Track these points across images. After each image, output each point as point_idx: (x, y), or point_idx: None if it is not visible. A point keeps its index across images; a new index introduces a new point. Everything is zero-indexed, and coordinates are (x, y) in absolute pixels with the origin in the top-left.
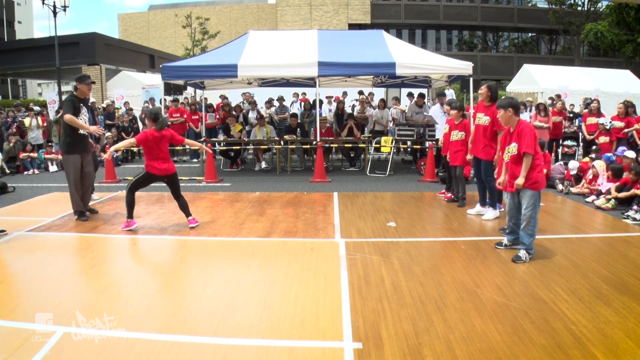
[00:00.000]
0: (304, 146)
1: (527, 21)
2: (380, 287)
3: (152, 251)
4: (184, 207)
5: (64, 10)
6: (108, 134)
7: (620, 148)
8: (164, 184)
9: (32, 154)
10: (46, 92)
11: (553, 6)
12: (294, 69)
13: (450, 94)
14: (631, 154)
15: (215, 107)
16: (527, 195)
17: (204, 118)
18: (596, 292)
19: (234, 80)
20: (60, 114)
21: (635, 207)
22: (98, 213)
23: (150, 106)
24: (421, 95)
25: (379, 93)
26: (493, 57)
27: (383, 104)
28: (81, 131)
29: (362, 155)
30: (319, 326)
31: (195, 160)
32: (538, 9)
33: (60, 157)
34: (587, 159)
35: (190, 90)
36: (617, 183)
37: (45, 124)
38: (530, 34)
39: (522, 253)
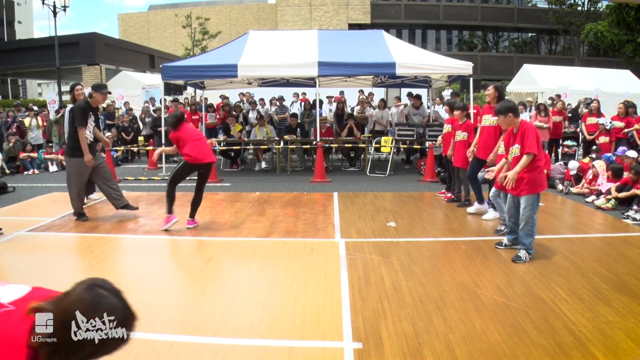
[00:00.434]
0: (304, 146)
1: (527, 21)
2: (380, 287)
3: (152, 251)
4: (196, 205)
5: (64, 10)
6: (108, 133)
7: (621, 148)
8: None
9: (32, 154)
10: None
11: (553, 6)
12: (294, 69)
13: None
14: (633, 153)
15: (215, 107)
16: (526, 196)
17: (204, 118)
18: (596, 292)
19: (234, 80)
20: (60, 114)
21: (635, 207)
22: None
23: (151, 106)
24: (417, 97)
25: (379, 93)
26: (493, 57)
27: (383, 104)
28: (88, 137)
29: (362, 155)
30: (319, 326)
31: None
32: (538, 9)
33: (60, 157)
34: (587, 159)
35: (190, 90)
36: (617, 183)
37: (45, 124)
38: (530, 34)
39: (522, 253)
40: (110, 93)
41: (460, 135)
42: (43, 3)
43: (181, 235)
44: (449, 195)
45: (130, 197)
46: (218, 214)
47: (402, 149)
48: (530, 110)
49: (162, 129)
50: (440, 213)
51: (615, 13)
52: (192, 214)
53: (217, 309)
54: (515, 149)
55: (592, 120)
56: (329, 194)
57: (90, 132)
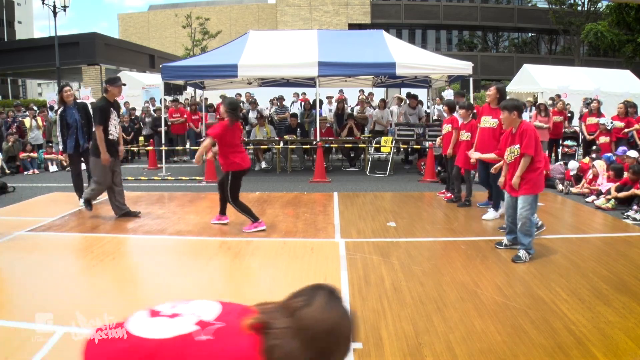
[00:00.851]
0: (304, 146)
1: (527, 21)
2: (380, 287)
3: (152, 251)
4: (226, 203)
5: (64, 10)
6: None
7: (621, 148)
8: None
9: (32, 154)
10: (46, 92)
11: (553, 6)
12: (294, 69)
13: (449, 94)
14: (634, 153)
15: (215, 107)
16: (523, 196)
17: (204, 118)
18: (596, 292)
19: (234, 80)
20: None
21: (635, 207)
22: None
23: (151, 106)
24: (414, 97)
25: (379, 93)
26: (493, 57)
27: (383, 104)
28: (111, 136)
29: (362, 155)
30: None
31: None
32: (538, 9)
33: (60, 157)
34: (587, 159)
35: (190, 90)
36: (617, 183)
37: (45, 124)
38: (530, 34)
39: (522, 253)
40: (125, 84)
41: (464, 135)
42: (43, 3)
43: (181, 235)
44: (449, 195)
45: (130, 197)
46: None
47: (401, 149)
48: (530, 111)
49: (162, 129)
50: (440, 213)
51: (615, 13)
52: (223, 211)
53: None
54: (515, 149)
55: (592, 120)
56: (329, 194)
57: (115, 127)
